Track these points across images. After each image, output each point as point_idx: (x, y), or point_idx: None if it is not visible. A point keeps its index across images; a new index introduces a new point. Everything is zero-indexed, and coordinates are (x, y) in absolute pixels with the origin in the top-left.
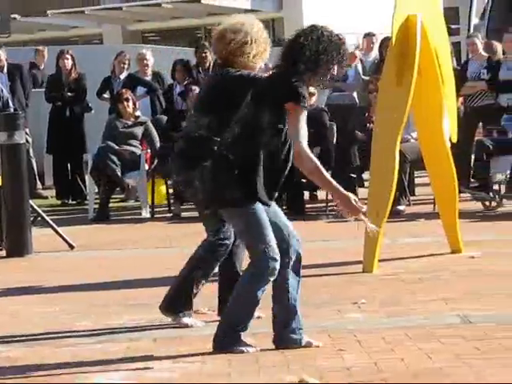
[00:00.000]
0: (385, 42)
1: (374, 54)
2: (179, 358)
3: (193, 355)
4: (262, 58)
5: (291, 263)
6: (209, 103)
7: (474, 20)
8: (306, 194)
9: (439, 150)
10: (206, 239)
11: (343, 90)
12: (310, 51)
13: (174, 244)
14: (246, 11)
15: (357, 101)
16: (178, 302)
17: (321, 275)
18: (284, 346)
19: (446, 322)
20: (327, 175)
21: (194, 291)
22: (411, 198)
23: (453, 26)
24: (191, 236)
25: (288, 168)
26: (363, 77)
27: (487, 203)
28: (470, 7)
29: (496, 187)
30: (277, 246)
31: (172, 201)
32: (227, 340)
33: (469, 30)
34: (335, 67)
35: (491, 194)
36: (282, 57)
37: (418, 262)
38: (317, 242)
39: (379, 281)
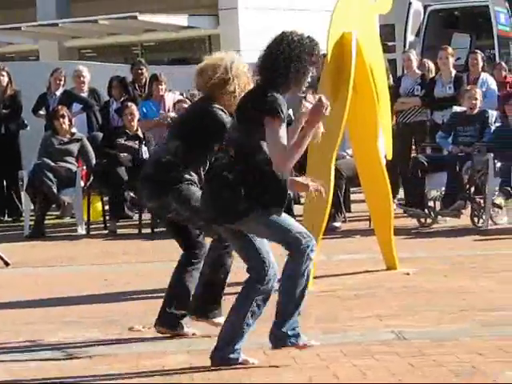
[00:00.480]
0: (321, 58)
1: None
2: (115, 375)
3: (127, 373)
4: (246, 90)
5: (268, 285)
6: (180, 129)
7: (410, 37)
8: None
9: (374, 167)
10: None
11: None
12: (284, 60)
13: (110, 260)
14: (183, 28)
15: (292, 117)
16: (209, 304)
17: None
18: (219, 364)
19: (380, 338)
20: (292, 147)
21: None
22: (347, 214)
23: (389, 43)
24: (127, 252)
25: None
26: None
27: (422, 220)
28: (406, 24)
29: (431, 204)
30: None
31: (108, 217)
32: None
33: (404, 47)
34: (311, 69)
35: (426, 210)
36: (258, 71)
37: (353, 278)
38: None
39: (315, 297)
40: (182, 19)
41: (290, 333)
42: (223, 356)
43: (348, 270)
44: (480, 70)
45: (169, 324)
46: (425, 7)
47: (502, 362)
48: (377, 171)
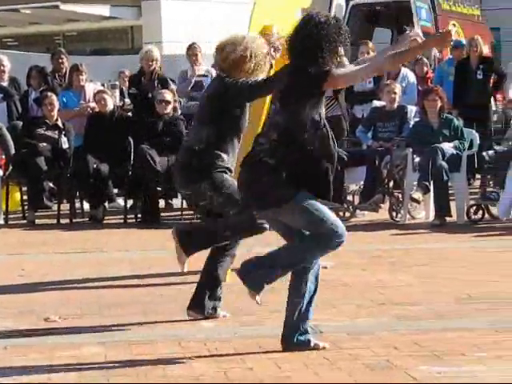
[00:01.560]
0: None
1: None
2: (28, 367)
3: (41, 365)
4: (261, 71)
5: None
6: (207, 115)
7: None
8: (162, 203)
9: None
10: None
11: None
12: (313, 41)
13: (28, 251)
14: (105, 18)
15: None
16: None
17: (173, 284)
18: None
19: None
20: (401, 52)
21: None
22: None
23: None
24: (45, 243)
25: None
26: None
27: (341, 213)
28: None
29: (349, 198)
30: None
31: (26, 207)
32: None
33: None
34: (340, 48)
35: (345, 204)
36: (288, 53)
37: None
38: (170, 251)
39: (232, 290)
40: (104, 9)
41: (300, 338)
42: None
43: None
44: (400, 65)
45: (200, 308)
46: (347, 1)
47: (416, 356)
48: None
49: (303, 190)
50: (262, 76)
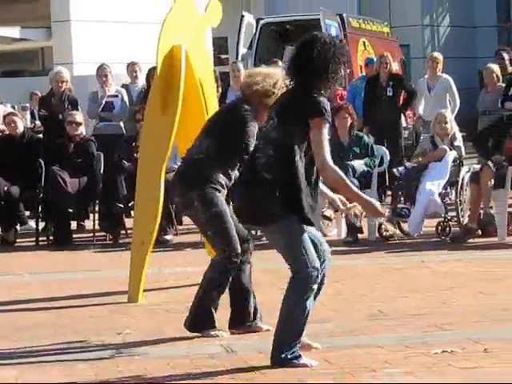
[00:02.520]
0: (151, 71)
1: (142, 82)
2: None
3: None
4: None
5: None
6: (212, 128)
7: (242, 50)
8: (73, 224)
9: None
10: (213, 258)
11: (110, 119)
12: (319, 61)
13: None
14: (15, 40)
15: (123, 130)
16: (201, 320)
17: (86, 305)
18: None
19: (208, 351)
20: (351, 185)
21: (213, 309)
22: (178, 227)
23: (222, 56)
24: None
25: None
26: (130, 106)
27: (253, 231)
28: (238, 37)
29: None
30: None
31: None
32: (286, 355)
33: (237, 59)
34: (343, 69)
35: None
36: (292, 74)
37: (183, 291)
38: (83, 272)
39: (144, 311)
40: (14, 31)
41: (289, 356)
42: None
43: (178, 283)
44: None
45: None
46: (257, 20)
47: (326, 374)
48: None
49: (295, 213)
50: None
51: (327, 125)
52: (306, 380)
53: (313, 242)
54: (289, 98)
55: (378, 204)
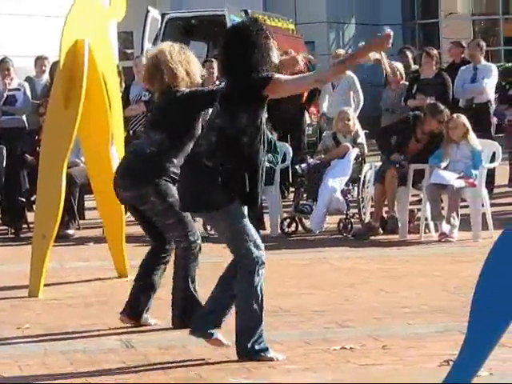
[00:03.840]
0: (54, 65)
1: (46, 77)
2: None
3: None
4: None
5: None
6: (162, 120)
7: (147, 45)
8: None
9: (106, 176)
10: (176, 252)
11: (12, 113)
12: (243, 52)
13: None
14: None
15: (26, 124)
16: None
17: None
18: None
19: (107, 347)
20: (343, 59)
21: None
22: (81, 221)
23: (127, 51)
24: None
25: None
26: (34, 101)
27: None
28: (143, 32)
29: None
30: None
31: None
32: (253, 346)
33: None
34: (270, 40)
35: None
36: (224, 71)
37: (85, 286)
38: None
39: (45, 305)
40: None
41: (257, 347)
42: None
43: (80, 278)
44: (214, 78)
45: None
46: (162, 15)
47: (226, 370)
48: (108, 178)
49: (237, 200)
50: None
51: (281, 76)
52: (204, 375)
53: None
54: (230, 86)
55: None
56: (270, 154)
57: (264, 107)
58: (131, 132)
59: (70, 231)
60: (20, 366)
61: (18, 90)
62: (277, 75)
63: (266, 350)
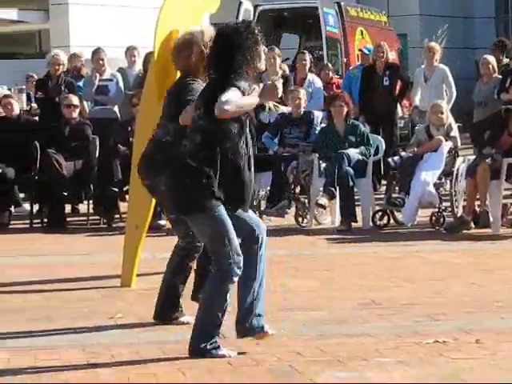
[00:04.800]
0: (148, 56)
1: (138, 67)
2: None
3: None
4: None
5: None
6: (175, 110)
7: None
8: (68, 208)
9: None
10: (177, 244)
11: (105, 103)
12: (229, 50)
13: None
14: (13, 22)
15: (118, 115)
16: (170, 308)
17: (79, 289)
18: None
19: None
20: (243, 99)
21: (181, 293)
22: None
23: None
24: None
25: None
26: (127, 91)
27: None
28: None
29: (256, 203)
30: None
31: None
32: (205, 346)
33: None
34: (260, 47)
35: (251, 209)
36: (212, 68)
37: None
38: (77, 256)
39: (137, 295)
40: (11, 13)
41: (208, 347)
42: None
43: None
44: (307, 70)
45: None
46: (255, 7)
47: (319, 362)
48: None
49: (221, 202)
50: None
51: (236, 91)
52: (297, 367)
53: (248, 225)
54: (212, 87)
55: (266, 87)
56: (362, 147)
57: (246, 112)
58: None
59: (162, 221)
60: (113, 355)
61: (111, 80)
62: (233, 87)
63: (218, 348)
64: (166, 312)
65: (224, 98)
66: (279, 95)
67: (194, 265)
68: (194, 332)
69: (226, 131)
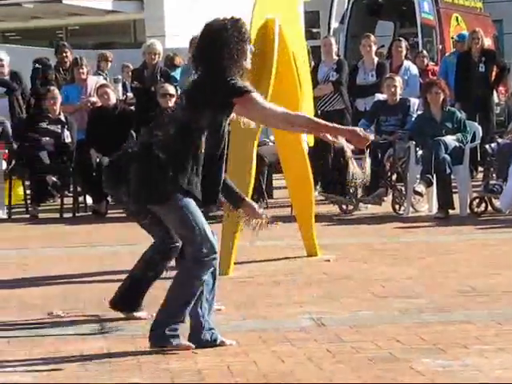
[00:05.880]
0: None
1: None
2: (32, 360)
3: (45, 358)
4: None
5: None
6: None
7: (334, 24)
8: None
9: (296, 154)
10: (154, 242)
11: None
12: (216, 48)
13: (31, 245)
14: (108, 12)
15: None
16: (130, 300)
17: None
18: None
19: (299, 325)
20: (320, 121)
21: (145, 290)
22: (269, 200)
23: (314, 30)
24: (49, 237)
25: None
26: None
27: (344, 206)
28: (330, 11)
29: (352, 191)
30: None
31: (29, 201)
32: (166, 334)
33: (328, 34)
34: (246, 44)
35: (348, 197)
36: (197, 63)
37: (274, 265)
38: None
39: (235, 284)
40: (106, 3)
41: (167, 333)
42: (162, 335)
43: (269, 257)
44: (403, 57)
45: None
46: None
47: (419, 349)
48: (298, 158)
49: (189, 193)
50: None
51: (255, 95)
52: (397, 354)
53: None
54: (199, 82)
55: (360, 130)
56: (459, 134)
57: (228, 114)
58: (319, 112)
59: (260, 210)
60: None
61: None
62: (255, 93)
63: (177, 337)
64: (125, 304)
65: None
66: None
67: (167, 266)
68: (156, 321)
69: (202, 127)
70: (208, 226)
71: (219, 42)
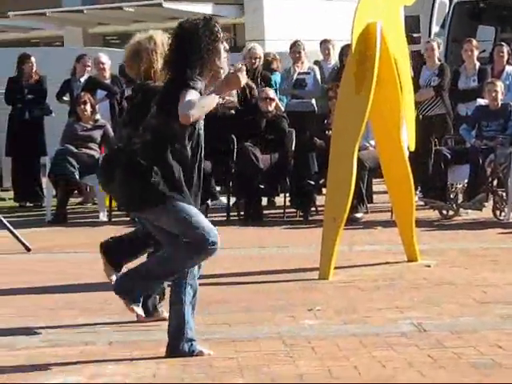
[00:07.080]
0: (345, 49)
1: (334, 60)
2: (134, 361)
3: (147, 359)
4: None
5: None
6: (129, 116)
7: (435, 28)
8: (264, 200)
9: (397, 159)
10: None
11: (302, 97)
12: (185, 47)
13: None
14: None
15: (315, 108)
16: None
17: (277, 281)
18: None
19: (400, 330)
20: (204, 100)
21: (130, 252)
22: (369, 205)
23: (414, 35)
24: None
25: (199, 171)
26: (322, 84)
27: (444, 212)
28: (431, 15)
29: (453, 196)
30: None
31: None
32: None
33: (430, 38)
34: (218, 44)
35: (448, 202)
36: (168, 66)
37: (374, 269)
38: (274, 248)
39: (335, 288)
40: (206, 8)
41: (134, 307)
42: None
43: (369, 261)
44: (505, 62)
45: None
46: None
47: None
48: (400, 162)
49: (175, 194)
50: None
51: (192, 91)
52: (500, 361)
53: None
54: (167, 87)
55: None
56: None
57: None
58: (421, 116)
59: (359, 214)
60: (313, 348)
61: (308, 73)
62: (190, 89)
63: (137, 306)
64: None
65: (184, 102)
66: (242, 83)
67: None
68: (133, 270)
69: (176, 131)
70: (205, 219)
71: (191, 43)
